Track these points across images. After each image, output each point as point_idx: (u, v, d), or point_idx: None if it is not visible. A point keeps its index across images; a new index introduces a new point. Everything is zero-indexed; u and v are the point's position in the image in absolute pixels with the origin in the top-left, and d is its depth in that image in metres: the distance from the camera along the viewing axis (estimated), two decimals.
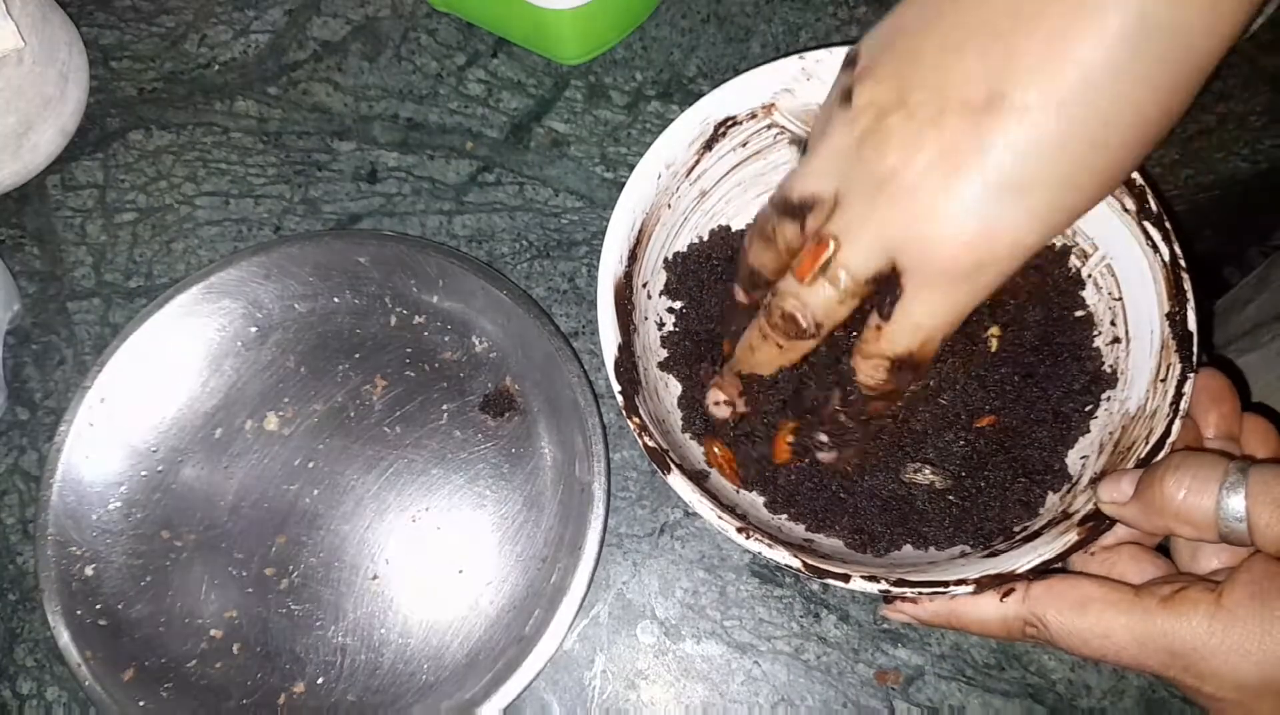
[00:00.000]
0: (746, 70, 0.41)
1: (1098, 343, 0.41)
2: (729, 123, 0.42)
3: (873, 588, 0.35)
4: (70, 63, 0.50)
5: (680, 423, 0.42)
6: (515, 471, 0.47)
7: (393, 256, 0.48)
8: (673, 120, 0.41)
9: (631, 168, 0.51)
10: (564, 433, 0.46)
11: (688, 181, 0.43)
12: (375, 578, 0.46)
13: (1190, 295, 0.38)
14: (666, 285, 0.44)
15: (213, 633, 0.45)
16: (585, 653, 0.46)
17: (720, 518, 0.36)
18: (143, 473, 0.47)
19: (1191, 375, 0.37)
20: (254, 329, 0.49)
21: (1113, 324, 0.41)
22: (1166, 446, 0.36)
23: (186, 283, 0.47)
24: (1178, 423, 0.36)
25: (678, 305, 0.44)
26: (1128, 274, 0.40)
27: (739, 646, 0.46)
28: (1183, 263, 0.38)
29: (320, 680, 0.45)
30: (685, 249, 0.44)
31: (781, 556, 0.35)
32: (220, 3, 0.54)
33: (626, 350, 0.39)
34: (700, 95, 0.41)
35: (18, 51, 0.46)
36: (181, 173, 0.52)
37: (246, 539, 0.46)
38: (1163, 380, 0.38)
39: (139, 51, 0.54)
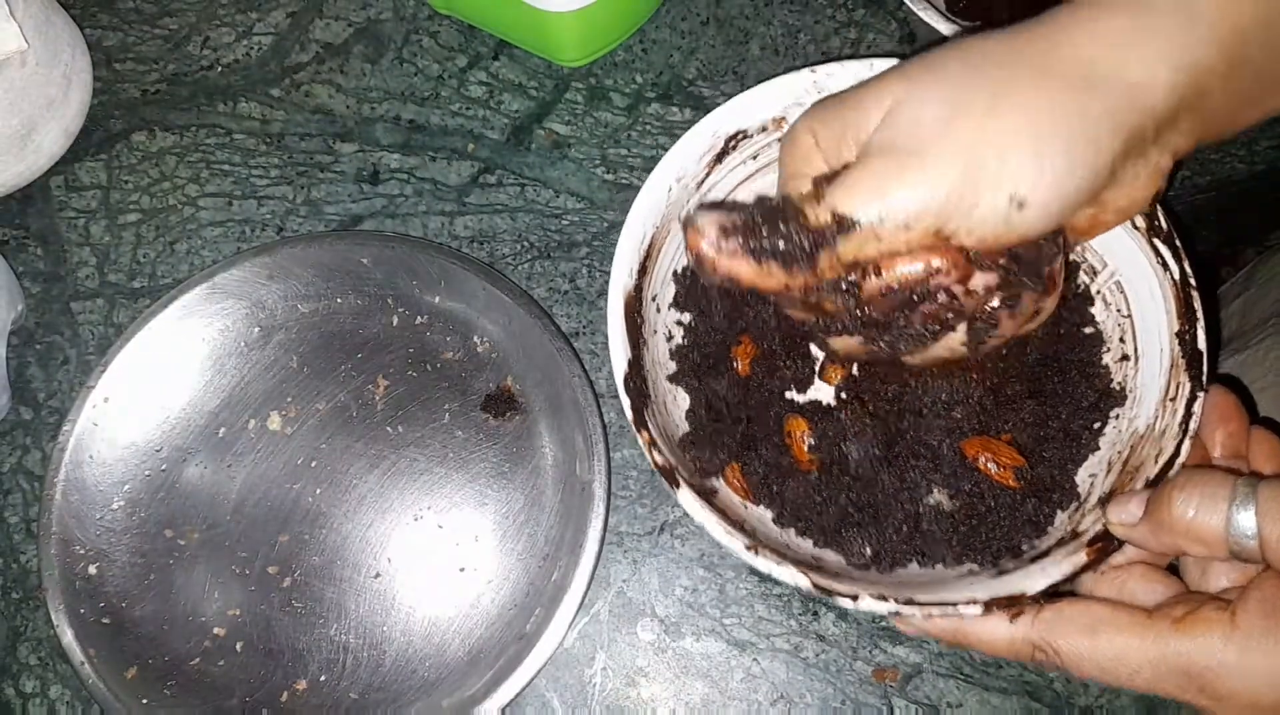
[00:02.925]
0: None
1: (1107, 360, 0.41)
2: (739, 136, 0.41)
3: (882, 608, 0.35)
4: (73, 64, 0.50)
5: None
6: (516, 470, 0.47)
7: (395, 257, 0.48)
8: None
9: (632, 169, 0.52)
10: (565, 432, 0.47)
11: (698, 194, 0.42)
12: (377, 576, 0.46)
13: (1200, 314, 0.37)
14: (675, 298, 0.43)
15: (215, 631, 0.45)
16: (586, 650, 0.46)
17: (729, 534, 0.35)
18: (146, 472, 0.47)
19: (1201, 394, 0.36)
20: (257, 329, 0.49)
21: (1122, 341, 0.40)
22: (1176, 466, 0.35)
23: (190, 283, 0.47)
24: (1187, 443, 0.36)
25: (686, 318, 0.43)
26: (1137, 291, 0.40)
27: (738, 644, 0.46)
28: (1193, 281, 0.37)
29: (323, 678, 0.45)
30: None
31: (789, 576, 0.35)
32: (223, 5, 0.55)
33: (636, 364, 0.39)
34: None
35: (21, 53, 0.46)
36: (185, 174, 0.52)
37: (249, 538, 0.46)
38: (1172, 399, 0.37)
39: (142, 53, 0.54)
